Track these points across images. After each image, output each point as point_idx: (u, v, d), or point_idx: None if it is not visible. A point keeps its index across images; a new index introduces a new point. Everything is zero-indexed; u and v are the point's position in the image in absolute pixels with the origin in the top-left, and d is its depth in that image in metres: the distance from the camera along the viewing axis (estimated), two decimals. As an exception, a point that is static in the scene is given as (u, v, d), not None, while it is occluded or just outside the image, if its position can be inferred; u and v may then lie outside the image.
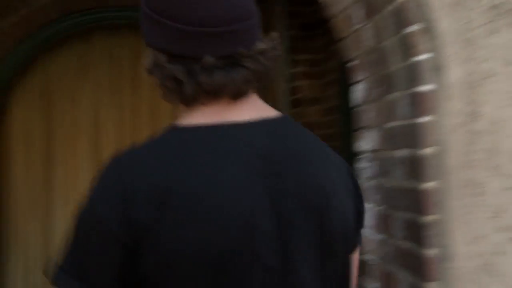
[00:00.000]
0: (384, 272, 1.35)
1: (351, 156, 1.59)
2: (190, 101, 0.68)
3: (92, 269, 0.63)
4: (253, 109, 0.70)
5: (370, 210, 1.43)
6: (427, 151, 1.16)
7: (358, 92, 1.48)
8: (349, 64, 1.50)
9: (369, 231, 1.43)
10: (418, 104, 1.17)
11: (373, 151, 1.41)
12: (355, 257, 0.78)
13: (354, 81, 1.49)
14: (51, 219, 2.96)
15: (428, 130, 1.16)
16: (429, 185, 1.15)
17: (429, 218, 1.16)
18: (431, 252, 1.16)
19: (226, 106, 0.68)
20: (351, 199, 0.74)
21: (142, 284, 0.62)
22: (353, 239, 0.75)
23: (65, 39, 2.93)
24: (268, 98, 0.77)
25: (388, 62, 1.29)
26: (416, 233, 1.19)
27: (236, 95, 0.67)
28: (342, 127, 2.53)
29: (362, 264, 1.37)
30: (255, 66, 0.67)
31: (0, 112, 2.93)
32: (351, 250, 0.75)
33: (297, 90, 2.84)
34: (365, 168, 1.45)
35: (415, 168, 1.19)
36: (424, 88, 1.16)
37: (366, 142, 1.45)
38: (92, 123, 3.00)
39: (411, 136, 1.20)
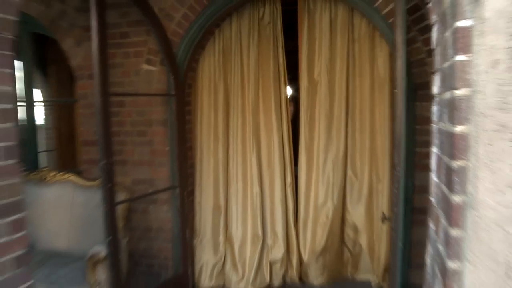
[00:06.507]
0: (436, 215, 1.33)
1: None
2: None
3: None
4: None
5: (434, 155, 1.39)
6: (460, 92, 1.10)
7: (433, 35, 1.39)
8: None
9: (433, 174, 1.40)
10: (456, 41, 1.10)
11: (437, 94, 1.34)
12: None
13: (431, 25, 1.41)
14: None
15: (461, 69, 1.09)
16: (459, 128, 1.10)
17: (458, 163, 1.11)
18: (456, 198, 1.12)
19: None
20: None
21: None
22: None
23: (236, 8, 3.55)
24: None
25: (445, -2, 1.21)
26: (449, 178, 1.16)
27: None
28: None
29: (430, 206, 1.39)
30: None
31: (195, 67, 3.66)
32: None
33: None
34: (433, 113, 1.39)
35: (451, 110, 1.14)
36: (461, 23, 1.08)
37: (435, 85, 1.38)
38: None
39: (451, 77, 1.14)
